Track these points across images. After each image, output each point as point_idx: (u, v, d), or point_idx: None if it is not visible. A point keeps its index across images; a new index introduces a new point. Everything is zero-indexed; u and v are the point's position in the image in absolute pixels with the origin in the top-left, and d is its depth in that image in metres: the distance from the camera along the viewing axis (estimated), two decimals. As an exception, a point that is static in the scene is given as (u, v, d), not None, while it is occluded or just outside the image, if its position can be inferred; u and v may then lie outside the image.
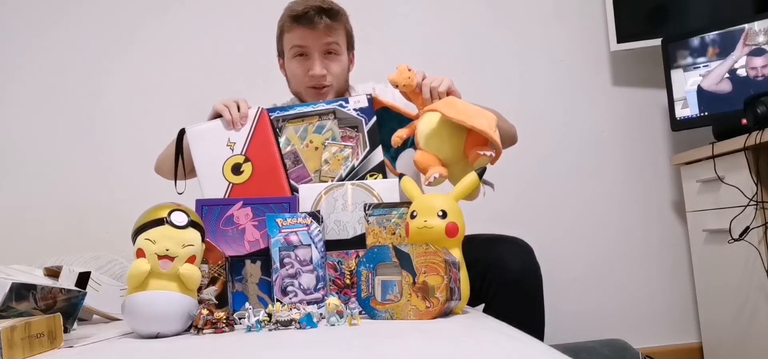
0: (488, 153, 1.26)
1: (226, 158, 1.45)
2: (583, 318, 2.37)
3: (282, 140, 1.47)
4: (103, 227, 2.24)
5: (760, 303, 1.89)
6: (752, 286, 1.91)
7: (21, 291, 1.08)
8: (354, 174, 1.44)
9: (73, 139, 2.37)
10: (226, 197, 1.43)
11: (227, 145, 1.46)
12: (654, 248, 2.44)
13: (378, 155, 1.45)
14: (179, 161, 1.53)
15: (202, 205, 1.38)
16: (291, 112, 1.49)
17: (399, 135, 1.39)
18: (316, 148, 1.46)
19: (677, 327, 2.41)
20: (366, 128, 1.46)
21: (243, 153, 1.45)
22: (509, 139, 1.63)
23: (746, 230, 1.84)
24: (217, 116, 1.50)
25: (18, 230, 2.29)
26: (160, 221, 1.11)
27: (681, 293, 2.42)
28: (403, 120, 1.46)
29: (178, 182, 1.53)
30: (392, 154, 1.49)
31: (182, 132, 1.52)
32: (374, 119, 1.46)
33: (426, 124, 1.31)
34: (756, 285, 1.89)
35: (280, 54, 1.70)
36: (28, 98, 2.39)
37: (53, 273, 1.35)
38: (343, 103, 1.47)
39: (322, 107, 1.48)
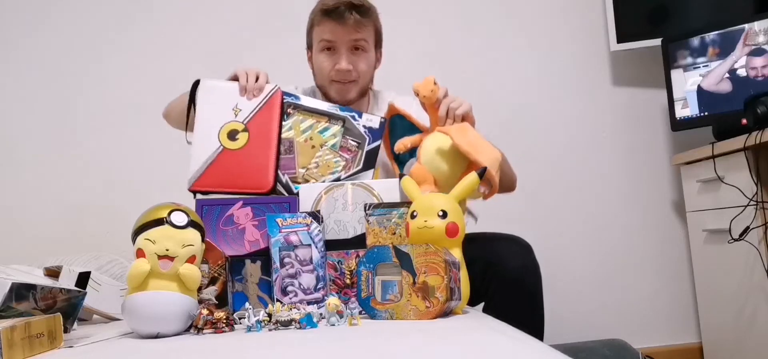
0: (482, 189, 1.28)
1: (227, 120, 1.46)
2: (583, 318, 2.37)
3: (286, 124, 1.47)
4: (103, 227, 2.24)
5: (760, 303, 1.89)
6: (752, 286, 1.91)
7: (21, 291, 1.08)
8: None
9: (73, 139, 2.37)
10: (214, 158, 1.43)
11: (233, 109, 1.46)
12: (654, 248, 2.44)
13: (367, 177, 1.45)
14: (191, 111, 1.53)
15: (202, 205, 1.38)
16: (303, 103, 1.49)
17: (403, 143, 1.41)
18: (313, 146, 1.46)
19: (677, 327, 2.41)
20: (367, 148, 1.47)
21: (244, 122, 1.46)
22: (508, 183, 1.63)
23: (746, 230, 1.84)
24: (236, 78, 1.51)
25: (18, 230, 2.29)
26: (160, 221, 1.11)
27: (681, 293, 2.42)
28: (414, 130, 1.47)
29: (188, 132, 1.53)
30: (402, 158, 1.50)
31: (197, 83, 1.52)
32: (378, 142, 1.47)
33: (433, 143, 1.33)
34: (756, 285, 1.89)
35: (309, 46, 1.71)
36: (27, 98, 2.39)
37: (53, 273, 1.35)
38: (356, 116, 1.49)
39: (335, 111, 1.49)
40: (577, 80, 2.48)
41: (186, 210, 1.15)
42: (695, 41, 2.19)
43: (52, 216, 2.32)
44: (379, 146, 1.48)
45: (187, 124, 1.53)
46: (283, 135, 1.47)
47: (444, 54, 2.45)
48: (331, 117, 1.48)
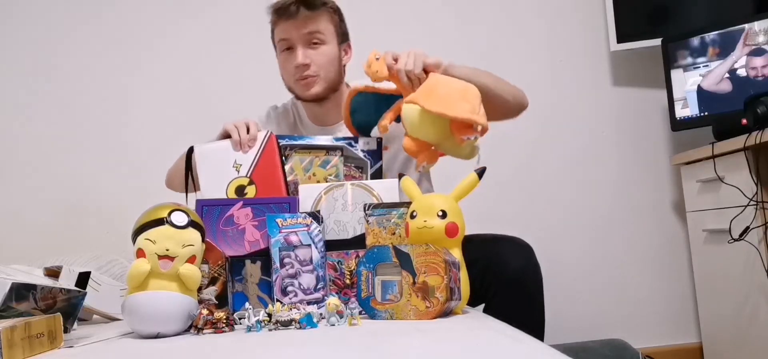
0: (471, 137, 1.26)
1: (231, 179, 1.45)
2: (583, 318, 2.37)
3: (287, 167, 1.48)
4: (103, 227, 2.24)
5: (760, 303, 1.89)
6: (752, 286, 1.91)
7: (21, 291, 1.08)
8: None
9: (74, 139, 2.37)
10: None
11: (233, 166, 1.46)
12: (654, 248, 2.44)
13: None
14: (189, 178, 1.53)
15: (203, 205, 1.38)
16: (299, 142, 1.50)
17: (383, 125, 1.39)
18: (318, 182, 1.46)
19: (677, 327, 2.41)
20: (371, 171, 1.47)
21: (248, 175, 1.45)
22: (515, 103, 1.60)
23: (746, 230, 1.83)
24: (227, 135, 1.50)
25: (18, 230, 2.29)
26: (160, 221, 1.11)
27: (681, 293, 2.42)
28: (378, 100, 1.46)
29: (189, 196, 1.53)
30: (366, 134, 1.50)
31: (191, 149, 1.52)
32: (380, 163, 1.47)
33: (408, 114, 1.30)
34: (756, 285, 1.89)
35: (275, 48, 1.69)
36: (28, 98, 2.39)
37: (53, 273, 1.35)
38: (352, 142, 1.48)
39: (330, 142, 1.49)
40: (577, 80, 2.48)
41: (186, 210, 1.15)
42: (695, 41, 2.19)
43: (52, 216, 2.32)
44: (381, 166, 1.48)
45: (186, 190, 1.52)
46: (288, 177, 1.46)
47: (443, 54, 2.44)
48: (328, 150, 1.48)
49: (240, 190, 1.44)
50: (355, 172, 1.47)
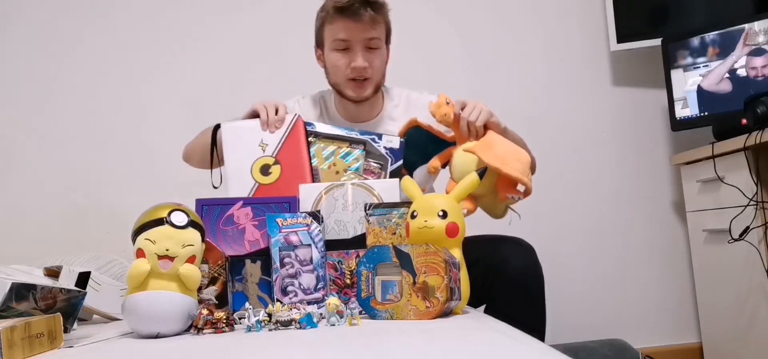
0: (515, 197, 1.31)
1: (257, 157, 1.47)
2: (583, 318, 2.36)
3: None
4: (103, 227, 2.24)
5: (760, 303, 1.89)
6: (752, 286, 1.91)
7: (21, 291, 1.08)
8: None
9: (74, 139, 2.37)
10: (251, 196, 1.44)
11: (259, 145, 1.47)
12: (654, 248, 2.44)
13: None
14: (213, 154, 1.54)
15: (202, 205, 1.38)
16: (324, 130, 1.51)
17: (434, 165, 1.45)
18: (338, 172, 1.47)
19: (677, 327, 2.41)
20: (390, 168, 1.48)
21: (274, 155, 1.47)
22: (532, 167, 1.65)
23: (746, 230, 1.84)
24: (254, 115, 1.51)
25: (18, 230, 2.29)
26: (160, 221, 1.11)
27: (681, 293, 2.42)
28: (431, 139, 1.50)
29: (213, 172, 1.55)
30: (409, 168, 1.52)
31: (218, 126, 1.53)
32: (400, 162, 1.48)
33: (461, 161, 1.35)
34: (756, 285, 1.89)
35: (319, 45, 1.68)
36: (28, 98, 2.38)
37: (53, 273, 1.35)
38: (376, 138, 1.50)
39: (355, 135, 1.50)
40: (577, 80, 2.48)
41: (186, 210, 1.15)
42: (695, 41, 2.19)
43: (52, 216, 2.31)
44: (401, 166, 1.48)
45: (211, 166, 1.55)
46: None
47: (443, 54, 2.45)
48: (351, 142, 1.50)
49: (265, 169, 1.46)
50: (374, 167, 1.48)
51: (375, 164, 1.48)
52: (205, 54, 2.41)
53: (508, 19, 2.49)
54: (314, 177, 1.46)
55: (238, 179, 1.45)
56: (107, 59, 2.40)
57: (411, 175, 1.52)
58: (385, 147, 1.49)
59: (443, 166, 1.47)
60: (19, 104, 2.38)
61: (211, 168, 1.56)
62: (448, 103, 1.41)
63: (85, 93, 2.39)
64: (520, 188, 1.32)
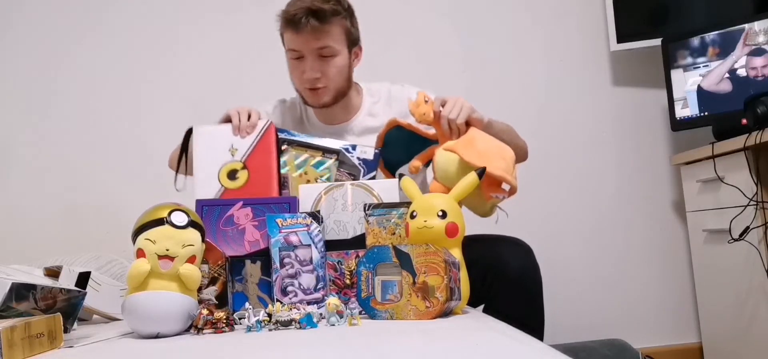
0: (500, 196, 1.30)
1: (225, 162, 1.46)
2: (583, 318, 2.37)
3: (281, 161, 1.48)
4: (103, 227, 2.24)
5: (760, 303, 1.89)
6: (752, 286, 1.91)
7: (21, 291, 1.08)
8: None
9: (74, 139, 2.37)
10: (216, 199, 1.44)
11: (229, 150, 1.47)
12: (654, 248, 2.44)
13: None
14: (182, 158, 1.54)
15: (203, 205, 1.38)
16: (297, 138, 1.50)
17: (414, 165, 1.43)
18: (308, 181, 1.46)
19: (677, 327, 2.41)
20: (363, 179, 1.46)
21: (242, 160, 1.46)
22: (521, 155, 1.64)
23: (746, 230, 1.83)
24: (229, 119, 1.51)
25: (18, 230, 2.29)
26: (160, 221, 1.11)
27: (681, 293, 2.42)
28: (413, 138, 1.49)
29: (178, 178, 1.54)
30: (394, 169, 1.51)
31: (190, 131, 1.53)
32: (372, 173, 1.47)
33: (442, 160, 1.33)
34: (756, 285, 1.89)
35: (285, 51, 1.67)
36: (28, 98, 2.39)
37: (53, 273, 1.35)
38: (350, 148, 1.49)
39: (328, 144, 1.50)
40: (577, 80, 2.48)
41: (186, 210, 1.15)
42: (695, 41, 2.19)
43: (52, 216, 2.32)
44: (374, 177, 1.47)
45: (177, 170, 1.54)
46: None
47: (443, 54, 2.45)
48: (325, 151, 1.49)
49: (232, 174, 1.46)
50: (346, 178, 1.45)
51: (347, 175, 1.46)
52: (204, 54, 2.41)
53: (508, 19, 2.49)
54: (284, 185, 1.46)
55: (204, 181, 1.45)
56: (107, 59, 2.40)
57: (394, 175, 1.52)
58: (358, 158, 1.48)
59: (425, 165, 1.46)
60: (19, 104, 2.38)
61: (177, 172, 1.54)
62: (426, 101, 1.39)
63: (85, 93, 2.39)
64: (506, 186, 1.30)
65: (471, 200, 1.32)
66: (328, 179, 1.46)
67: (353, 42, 1.63)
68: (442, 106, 1.40)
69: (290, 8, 1.55)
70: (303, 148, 1.49)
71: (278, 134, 1.50)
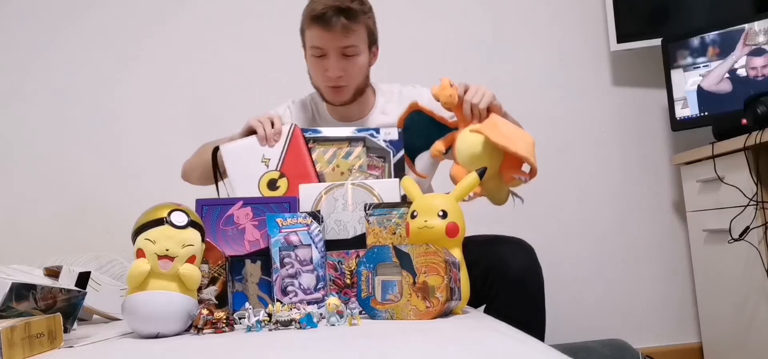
0: (521, 178, 1.32)
1: (262, 173, 1.46)
2: (583, 318, 2.37)
3: None
4: (103, 227, 2.24)
5: (760, 303, 1.89)
6: (752, 286, 1.91)
7: (21, 291, 1.08)
8: None
9: (74, 139, 2.37)
10: None
11: (262, 161, 1.47)
12: (654, 248, 2.44)
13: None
14: (218, 178, 1.54)
15: (202, 205, 1.38)
16: (322, 134, 1.51)
17: (438, 148, 1.44)
18: (343, 173, 1.47)
19: (677, 327, 2.41)
20: (393, 160, 1.48)
21: (278, 169, 1.46)
22: None
23: (746, 230, 1.83)
24: (251, 131, 1.50)
25: (18, 230, 2.29)
26: (160, 221, 1.11)
27: (681, 293, 2.42)
28: (432, 124, 1.49)
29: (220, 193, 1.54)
30: (413, 153, 1.52)
31: (216, 150, 1.52)
32: (402, 152, 1.49)
33: (467, 143, 1.35)
34: (756, 285, 1.89)
35: (303, 46, 1.67)
36: (28, 98, 2.38)
37: (53, 272, 1.35)
38: (375, 133, 1.50)
39: (353, 133, 1.50)
40: (577, 80, 2.48)
41: (186, 210, 1.15)
42: (695, 41, 2.19)
43: (52, 216, 2.32)
44: (403, 156, 1.49)
45: (218, 190, 1.54)
46: None
47: (443, 54, 2.45)
48: (351, 141, 1.50)
49: (272, 184, 1.46)
50: (377, 161, 1.48)
51: (377, 159, 1.48)
52: (206, 55, 2.41)
53: (508, 19, 2.49)
54: (320, 182, 1.46)
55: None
56: (108, 59, 2.40)
57: (413, 160, 1.54)
58: (384, 140, 1.49)
59: (446, 151, 1.46)
60: (20, 104, 2.38)
61: (218, 192, 1.54)
62: (452, 85, 1.41)
63: (85, 93, 2.39)
64: (525, 168, 1.32)
65: (489, 186, 1.34)
66: (361, 168, 1.47)
67: (373, 41, 1.65)
68: (465, 92, 1.42)
69: (316, 6, 1.54)
70: (328, 143, 1.50)
71: (303, 134, 1.50)
